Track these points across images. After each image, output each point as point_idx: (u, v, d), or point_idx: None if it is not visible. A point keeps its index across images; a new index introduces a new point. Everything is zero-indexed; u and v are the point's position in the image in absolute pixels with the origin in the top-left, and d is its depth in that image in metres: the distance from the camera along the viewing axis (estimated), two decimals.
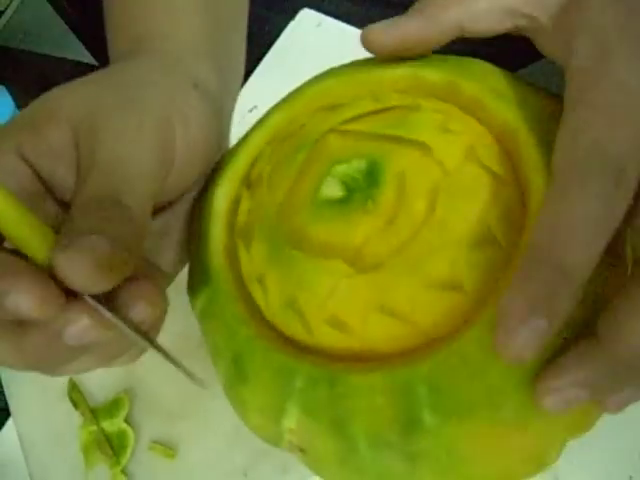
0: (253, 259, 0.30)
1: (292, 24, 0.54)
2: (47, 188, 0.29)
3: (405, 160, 0.29)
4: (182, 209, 0.34)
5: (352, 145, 0.30)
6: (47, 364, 0.28)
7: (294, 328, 0.29)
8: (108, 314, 0.26)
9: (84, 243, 0.25)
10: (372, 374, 0.26)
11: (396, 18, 0.31)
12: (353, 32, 0.52)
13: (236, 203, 0.33)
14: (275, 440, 0.30)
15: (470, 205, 0.27)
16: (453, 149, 0.29)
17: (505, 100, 0.29)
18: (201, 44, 0.39)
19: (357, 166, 0.29)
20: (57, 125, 0.29)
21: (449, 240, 0.27)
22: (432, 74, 0.31)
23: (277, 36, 0.54)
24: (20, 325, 0.27)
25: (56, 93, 0.31)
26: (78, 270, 0.25)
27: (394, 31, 0.31)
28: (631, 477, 0.37)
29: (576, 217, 0.23)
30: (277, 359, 0.28)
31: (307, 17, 0.54)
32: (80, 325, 0.26)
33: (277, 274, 0.29)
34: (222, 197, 0.33)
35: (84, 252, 0.25)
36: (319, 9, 0.53)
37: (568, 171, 0.24)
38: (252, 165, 0.33)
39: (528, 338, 0.22)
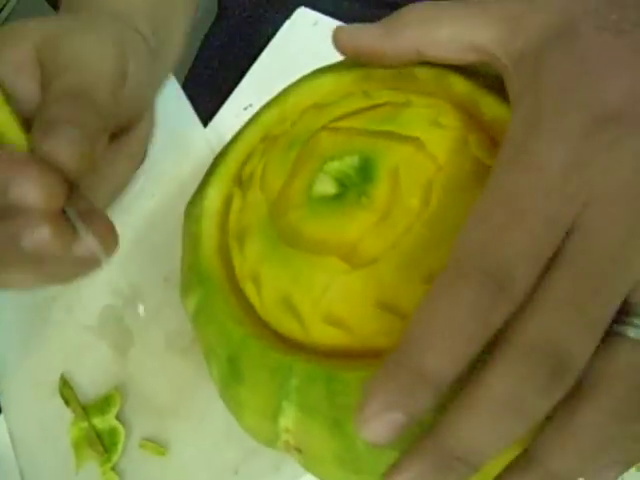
0: (246, 258, 0.30)
1: (288, 23, 0.54)
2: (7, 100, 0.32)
3: (398, 155, 0.29)
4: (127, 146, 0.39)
5: (344, 142, 0.30)
6: None
7: (289, 326, 0.29)
8: (80, 226, 0.30)
9: (62, 130, 0.28)
10: (370, 370, 0.26)
11: (364, 25, 0.32)
12: None
13: (228, 203, 0.33)
14: (271, 440, 0.30)
15: (464, 198, 0.27)
16: (445, 143, 0.29)
17: (493, 95, 0.29)
18: (142, 12, 0.42)
19: (350, 162, 0.29)
20: (20, 42, 0.32)
21: (444, 234, 0.27)
22: (422, 71, 0.32)
23: (273, 34, 0.54)
24: None
25: (19, 21, 0.34)
26: (61, 153, 0.28)
27: (355, 38, 0.32)
28: None
29: (444, 325, 0.23)
30: (273, 358, 0.28)
31: (303, 16, 0.54)
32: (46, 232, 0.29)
33: (271, 272, 0.29)
34: (214, 197, 0.33)
35: (63, 138, 0.28)
36: (315, 8, 0.53)
37: (451, 269, 0.24)
38: (244, 164, 0.33)
39: (382, 429, 0.22)
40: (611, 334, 0.24)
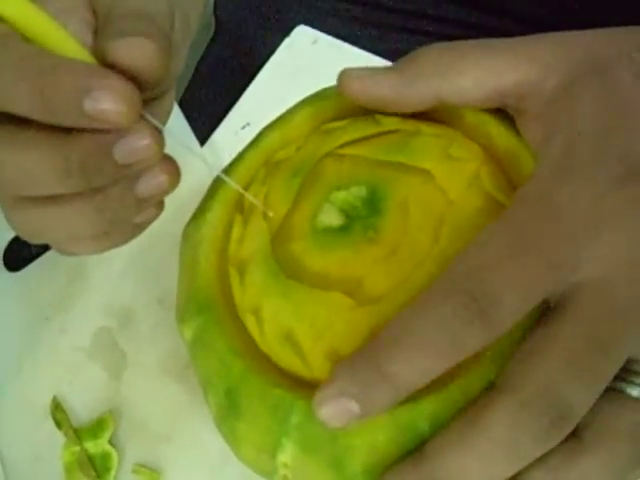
0: (247, 290, 0.29)
1: (287, 41, 0.54)
2: None
3: (407, 188, 0.28)
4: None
5: (351, 170, 0.29)
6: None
7: (291, 361, 0.28)
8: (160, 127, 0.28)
9: (137, 40, 0.26)
10: None
11: (375, 70, 0.30)
12: (350, 50, 0.51)
13: (228, 229, 0.32)
14: (268, 474, 0.29)
15: (474, 235, 0.27)
16: (457, 177, 0.28)
17: (507, 125, 0.29)
18: None
19: (357, 193, 0.29)
20: None
21: None
22: None
23: (271, 53, 0.53)
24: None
25: None
26: (138, 61, 0.26)
27: (369, 86, 0.30)
28: None
29: (417, 334, 0.23)
30: (273, 394, 0.27)
31: (303, 34, 0.53)
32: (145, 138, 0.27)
33: (273, 305, 0.28)
34: (214, 222, 0.32)
35: (139, 47, 0.26)
36: (315, 26, 0.53)
37: (437, 285, 0.24)
38: (245, 189, 0.33)
39: (333, 413, 0.23)
40: (613, 389, 0.24)
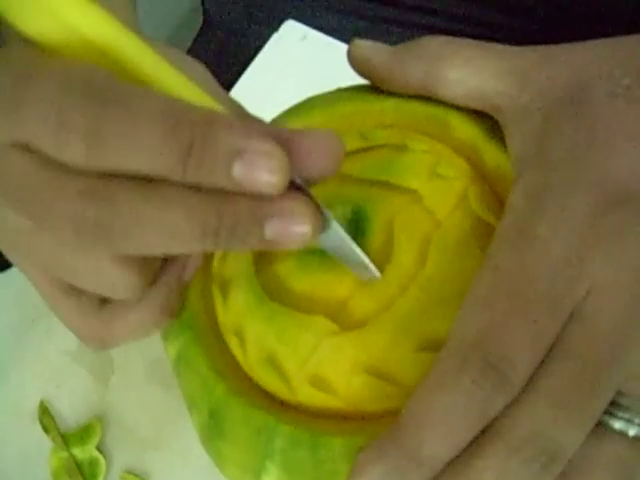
0: (230, 310, 0.29)
1: (275, 36, 0.53)
2: None
3: (393, 208, 0.28)
4: None
5: (336, 189, 0.29)
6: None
7: (274, 384, 0.27)
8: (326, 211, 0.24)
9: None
10: (356, 437, 0.25)
11: (380, 44, 0.31)
12: (339, 46, 0.51)
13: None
14: None
15: (462, 259, 0.26)
16: (444, 197, 0.27)
17: (496, 140, 0.28)
18: None
19: (342, 213, 0.28)
20: None
21: (440, 298, 0.26)
22: (422, 108, 0.30)
23: (260, 49, 0.52)
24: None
25: None
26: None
27: (367, 54, 0.31)
28: None
29: (443, 412, 0.22)
30: (256, 417, 0.27)
31: (291, 29, 0.53)
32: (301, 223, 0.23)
33: (256, 328, 0.28)
34: None
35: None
36: (304, 21, 0.52)
37: (451, 354, 0.23)
38: None
39: None
40: (598, 422, 0.24)
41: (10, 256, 0.29)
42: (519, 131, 0.27)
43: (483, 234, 0.26)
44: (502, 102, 0.28)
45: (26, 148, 0.24)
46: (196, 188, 0.23)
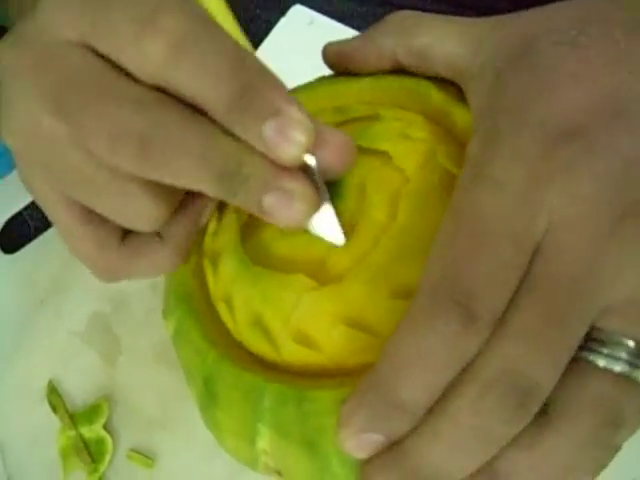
0: (219, 279, 0.30)
1: (282, 21, 0.53)
2: None
3: (365, 170, 0.28)
4: None
5: None
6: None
7: (262, 346, 0.28)
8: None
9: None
10: (341, 389, 0.25)
11: (353, 37, 0.32)
12: (346, 31, 0.50)
13: (205, 225, 0.32)
14: (252, 462, 0.29)
15: (432, 210, 0.27)
16: (413, 155, 0.28)
17: (465, 105, 0.29)
18: None
19: None
20: None
21: (411, 247, 0.26)
22: (396, 82, 0.31)
23: (266, 34, 0.52)
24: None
25: None
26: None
27: (338, 45, 0.32)
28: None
29: (417, 355, 0.23)
30: (246, 379, 0.27)
31: (298, 14, 0.53)
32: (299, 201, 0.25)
33: (243, 292, 0.29)
34: None
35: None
36: (311, 6, 0.52)
37: (421, 297, 0.24)
38: None
39: (361, 447, 0.24)
40: (578, 360, 0.23)
41: (33, 175, 0.29)
42: (475, 89, 0.28)
43: (452, 187, 0.26)
44: (461, 65, 0.29)
45: (93, 50, 0.26)
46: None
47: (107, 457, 0.43)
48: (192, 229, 0.31)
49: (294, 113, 0.24)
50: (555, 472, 0.23)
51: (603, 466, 0.24)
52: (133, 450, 0.43)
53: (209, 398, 0.29)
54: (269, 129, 0.24)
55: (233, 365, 0.28)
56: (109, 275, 0.31)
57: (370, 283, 0.26)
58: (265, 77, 0.25)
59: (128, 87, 0.26)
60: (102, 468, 0.43)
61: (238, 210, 0.30)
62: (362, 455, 0.24)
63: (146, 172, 0.26)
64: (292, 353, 0.27)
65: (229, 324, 0.30)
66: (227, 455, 0.31)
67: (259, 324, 0.28)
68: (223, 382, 0.28)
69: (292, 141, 0.24)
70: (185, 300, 0.31)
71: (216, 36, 0.25)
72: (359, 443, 0.23)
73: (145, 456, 0.43)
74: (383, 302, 0.26)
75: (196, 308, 0.30)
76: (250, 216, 0.30)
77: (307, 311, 0.27)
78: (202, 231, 0.32)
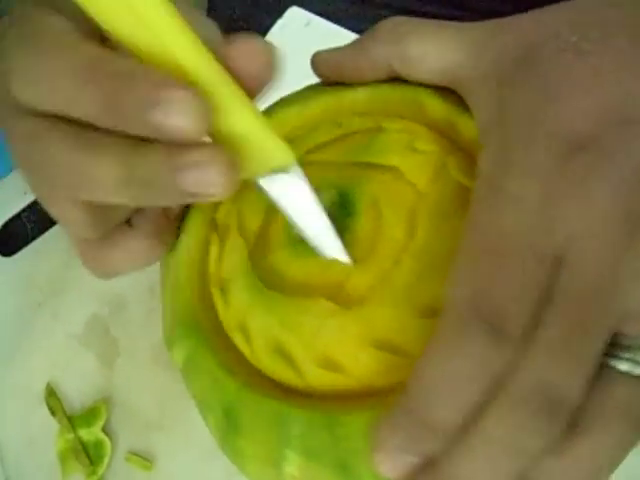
0: (231, 307, 0.29)
1: (279, 23, 0.53)
2: None
3: (376, 186, 0.28)
4: None
5: (319, 176, 0.29)
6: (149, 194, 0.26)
7: (284, 373, 0.28)
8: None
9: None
10: (372, 411, 0.25)
11: (343, 46, 0.32)
12: (343, 33, 0.50)
13: (206, 249, 0.31)
14: None
15: (449, 224, 0.26)
16: (424, 169, 0.28)
17: (469, 114, 0.28)
18: None
19: (328, 197, 0.28)
20: None
21: (433, 265, 0.26)
22: (394, 92, 0.31)
23: (263, 35, 0.52)
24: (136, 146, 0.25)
25: None
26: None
27: (332, 57, 0.32)
28: None
29: (448, 376, 0.23)
30: (270, 407, 0.27)
31: (295, 16, 0.53)
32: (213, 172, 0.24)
33: (259, 319, 0.28)
34: (190, 245, 0.32)
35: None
36: (308, 8, 0.52)
37: (449, 318, 0.24)
38: (216, 206, 0.32)
39: (397, 469, 0.23)
40: (602, 366, 0.23)
41: None
42: (479, 100, 0.27)
43: (466, 199, 0.26)
44: (461, 74, 0.28)
45: None
46: (128, 138, 0.25)
47: (106, 460, 0.43)
48: (160, 214, 0.31)
49: (172, 92, 0.23)
50: (584, 476, 0.24)
51: (619, 464, 0.24)
52: (131, 452, 0.43)
53: (230, 428, 0.28)
54: (154, 118, 0.23)
55: (256, 393, 0.27)
56: (99, 269, 0.31)
57: (395, 304, 0.26)
58: (132, 73, 0.24)
59: (22, 121, 0.27)
60: (101, 471, 0.43)
61: (244, 234, 0.30)
62: (397, 477, 0.24)
63: (62, 194, 0.27)
64: (317, 378, 0.27)
65: (246, 353, 0.29)
66: (226, 457, 0.31)
67: (279, 351, 0.27)
68: (246, 412, 0.27)
69: (183, 116, 0.23)
70: (195, 329, 0.30)
71: (67, 53, 0.25)
72: (394, 465, 0.23)
73: (143, 458, 0.43)
74: (409, 322, 0.26)
75: (208, 338, 0.29)
76: (257, 240, 0.29)
77: (332, 336, 0.26)
78: (205, 257, 0.31)
